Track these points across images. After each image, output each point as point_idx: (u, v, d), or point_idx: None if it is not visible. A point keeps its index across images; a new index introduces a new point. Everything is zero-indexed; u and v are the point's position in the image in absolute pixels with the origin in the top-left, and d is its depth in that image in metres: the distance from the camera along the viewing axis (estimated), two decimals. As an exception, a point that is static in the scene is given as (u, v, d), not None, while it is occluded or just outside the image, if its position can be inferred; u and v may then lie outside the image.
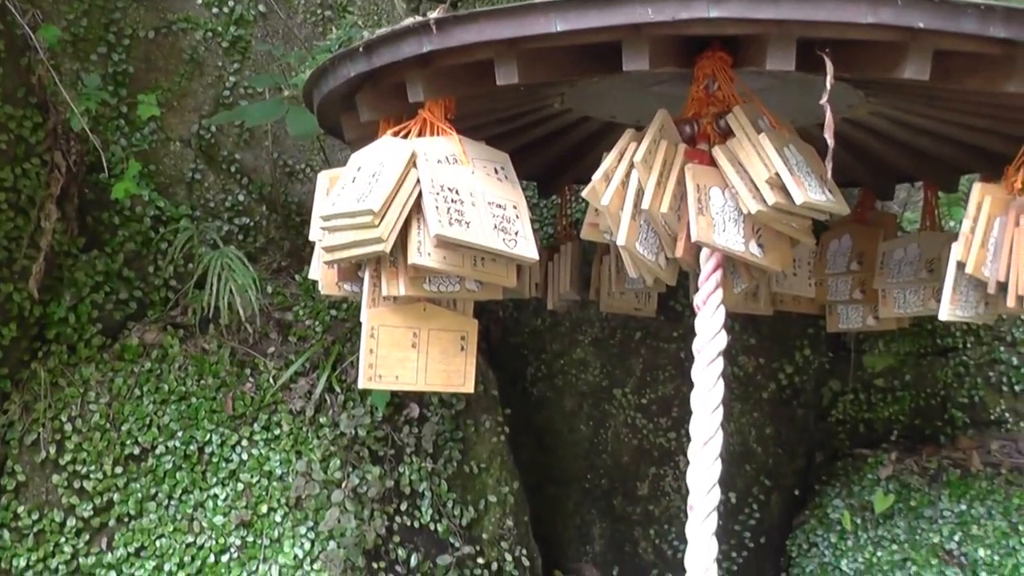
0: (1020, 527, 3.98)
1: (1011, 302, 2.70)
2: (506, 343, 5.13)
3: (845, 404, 5.01)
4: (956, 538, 4.14)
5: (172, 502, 3.94)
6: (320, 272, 3.10)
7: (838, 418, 5.05)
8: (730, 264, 2.77)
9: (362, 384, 2.83)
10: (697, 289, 2.67)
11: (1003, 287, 2.74)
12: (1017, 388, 4.75)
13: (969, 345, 4.84)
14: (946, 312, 2.83)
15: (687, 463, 2.58)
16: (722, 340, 2.63)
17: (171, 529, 3.90)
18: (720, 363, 2.62)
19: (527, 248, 2.69)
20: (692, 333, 2.68)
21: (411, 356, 2.81)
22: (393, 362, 2.79)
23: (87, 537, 3.85)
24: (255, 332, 4.21)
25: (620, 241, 2.53)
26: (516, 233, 2.67)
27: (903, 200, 5.29)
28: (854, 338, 4.99)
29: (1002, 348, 4.80)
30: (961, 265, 2.77)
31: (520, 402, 5.06)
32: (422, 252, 2.61)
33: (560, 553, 5.13)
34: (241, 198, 4.70)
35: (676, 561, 4.78)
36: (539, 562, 4.66)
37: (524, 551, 4.45)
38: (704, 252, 2.64)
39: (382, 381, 2.81)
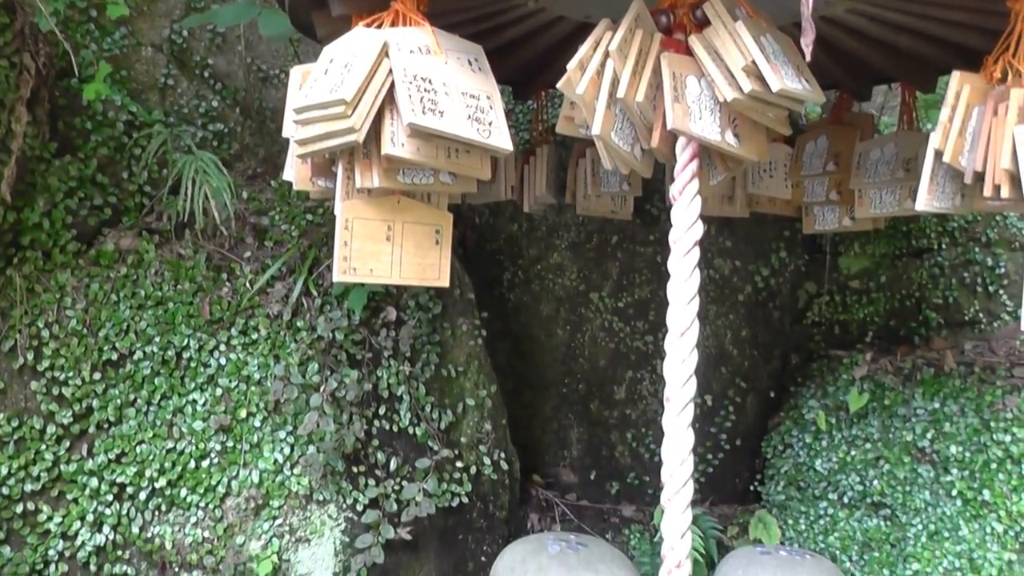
0: (991, 424, 4.02)
1: (988, 191, 2.69)
2: (482, 249, 5.12)
3: (820, 306, 5.03)
4: (929, 436, 4.19)
5: (151, 408, 3.94)
6: (294, 168, 3.07)
7: (813, 320, 5.07)
8: (706, 155, 2.76)
9: (336, 277, 2.82)
10: (673, 180, 2.66)
11: (980, 177, 2.73)
12: (991, 288, 4.77)
13: (944, 246, 4.85)
14: (923, 203, 2.83)
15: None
16: (698, 230, 2.62)
17: (151, 435, 3.90)
18: (696, 254, 2.61)
19: (501, 138, 2.66)
20: (668, 236, 2.67)
21: (385, 249, 2.79)
22: (367, 255, 2.77)
23: (67, 444, 3.84)
24: (231, 237, 4.17)
25: (595, 131, 2.51)
26: (490, 124, 2.65)
27: (880, 104, 5.27)
28: (830, 240, 4.99)
29: (976, 249, 4.81)
30: (939, 154, 2.76)
31: (497, 308, 5.07)
32: (395, 143, 2.58)
33: (538, 458, 5.18)
34: (215, 104, 4.64)
35: (653, 464, 4.83)
36: (517, 466, 4.69)
37: (502, 455, 4.47)
38: (680, 142, 2.62)
39: (356, 274, 2.79)
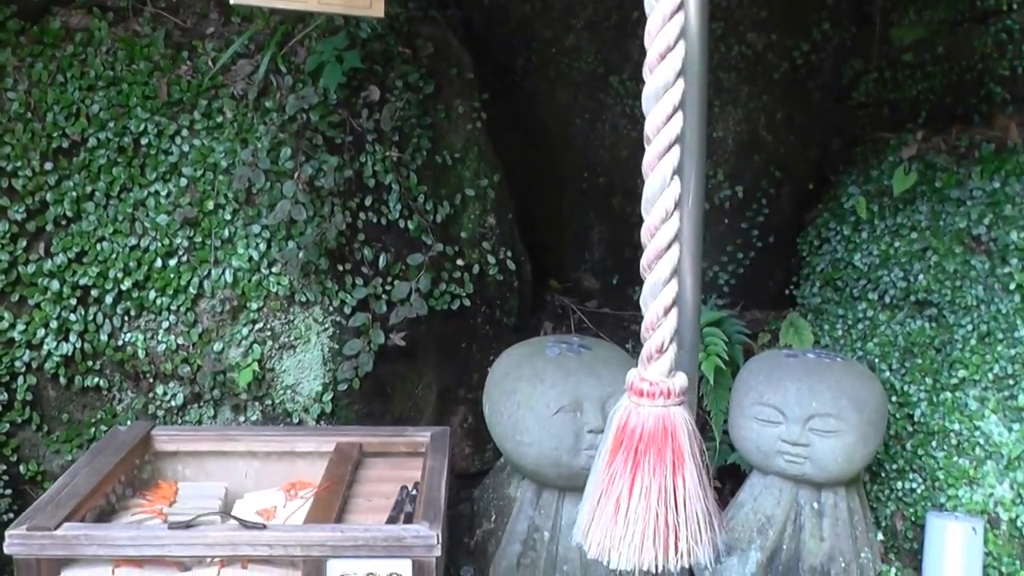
0: (1060, 206, 3.52)
1: None
2: (492, 33, 4.61)
3: (868, 84, 4.49)
4: (985, 221, 3.69)
5: (111, 201, 3.57)
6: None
7: (859, 100, 4.56)
8: None
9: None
10: None
11: None
12: (1065, 57, 4.19)
13: (1015, 7, 4.22)
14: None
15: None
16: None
17: (112, 231, 3.55)
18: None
19: None
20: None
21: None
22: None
23: (24, 243, 3.50)
24: (193, 13, 3.71)
25: None
26: None
27: None
28: (880, 8, 4.44)
29: (1051, 11, 4.21)
30: None
31: (509, 97, 4.60)
32: None
33: (556, 262, 4.80)
34: None
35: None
36: (527, 267, 4.33)
37: (509, 253, 4.08)
38: None
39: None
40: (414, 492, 3.05)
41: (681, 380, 1.91)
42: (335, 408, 3.68)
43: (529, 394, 3.22)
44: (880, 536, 3.63)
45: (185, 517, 2.79)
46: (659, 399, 1.87)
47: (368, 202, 3.73)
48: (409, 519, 2.84)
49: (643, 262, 1.91)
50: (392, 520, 2.88)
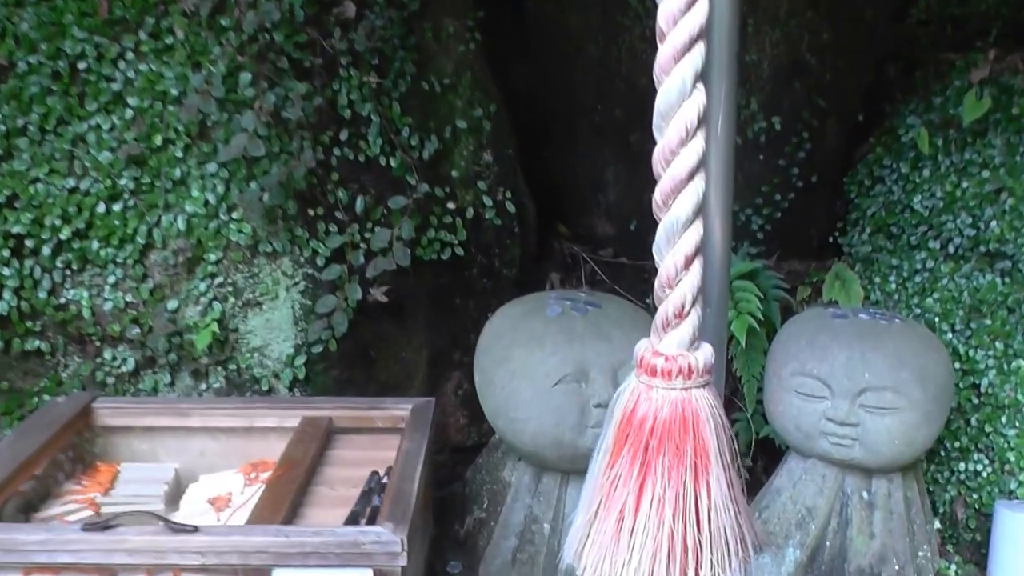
0: None
1: None
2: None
3: (929, -1, 3.95)
4: (1073, 157, 3.18)
5: (46, 137, 3.10)
6: None
7: (919, 18, 4.06)
8: None
9: None
10: None
11: None
12: None
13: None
14: None
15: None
16: None
17: (47, 171, 3.09)
18: None
19: None
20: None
21: None
22: None
23: (-52, 184, 3.06)
24: (141, -84, 3.21)
25: None
26: None
27: None
28: (944, -93, 3.88)
29: None
30: None
31: (515, 23, 4.12)
32: None
33: (566, 204, 4.34)
34: None
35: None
36: (531, 211, 3.89)
37: (508, 194, 3.63)
38: None
39: None
40: (385, 479, 2.58)
41: (706, 354, 1.47)
42: (310, 374, 3.25)
43: (525, 361, 2.75)
44: (937, 525, 3.14)
45: (121, 508, 2.45)
46: (677, 379, 1.44)
47: (343, 136, 3.27)
48: (375, 515, 2.38)
49: (656, 196, 1.43)
50: (354, 518, 2.42)
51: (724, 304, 1.74)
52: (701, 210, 1.41)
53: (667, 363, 1.43)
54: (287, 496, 2.45)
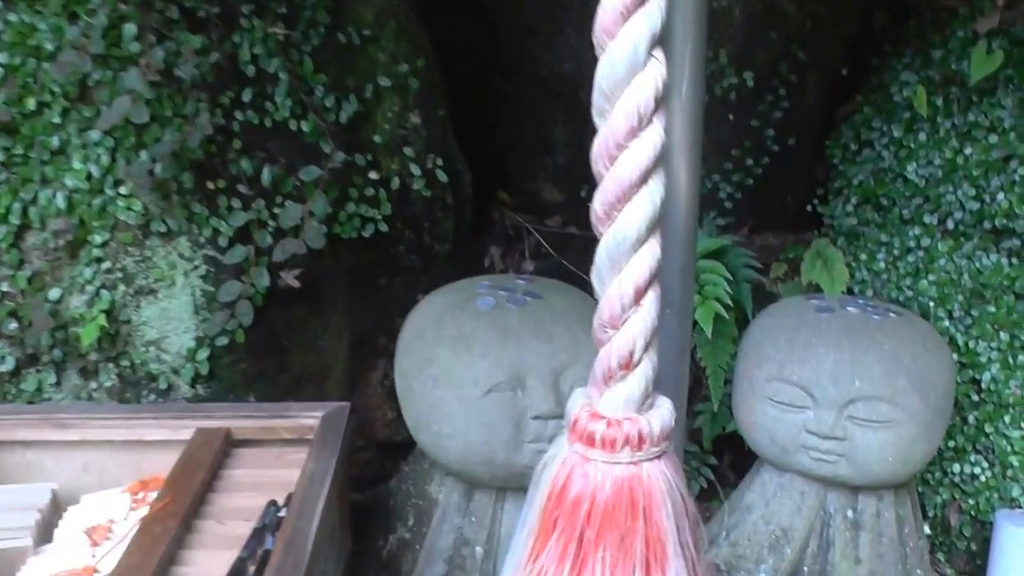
0: None
1: None
2: None
3: (923, -65, 3.63)
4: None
5: (-101, 99, 2.75)
6: None
7: None
8: None
9: None
10: None
11: None
12: None
13: None
14: None
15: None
16: None
17: (-100, 138, 2.73)
18: None
19: None
20: None
21: None
22: None
23: None
24: None
25: None
26: None
27: None
28: None
29: None
30: None
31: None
32: None
33: (508, 170, 4.04)
34: None
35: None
36: (467, 179, 3.56)
37: (439, 161, 3.29)
38: None
39: None
40: (283, 512, 2.19)
41: (663, 415, 1.09)
42: (214, 369, 2.92)
43: (451, 365, 2.40)
44: (927, 530, 2.81)
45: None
46: (623, 450, 1.06)
47: (246, 97, 2.92)
48: (266, 560, 1.99)
49: (595, 205, 1.08)
50: (239, 569, 2.01)
51: (690, 291, 1.43)
52: (657, 225, 1.05)
53: (610, 429, 1.05)
54: (164, 538, 2.06)
